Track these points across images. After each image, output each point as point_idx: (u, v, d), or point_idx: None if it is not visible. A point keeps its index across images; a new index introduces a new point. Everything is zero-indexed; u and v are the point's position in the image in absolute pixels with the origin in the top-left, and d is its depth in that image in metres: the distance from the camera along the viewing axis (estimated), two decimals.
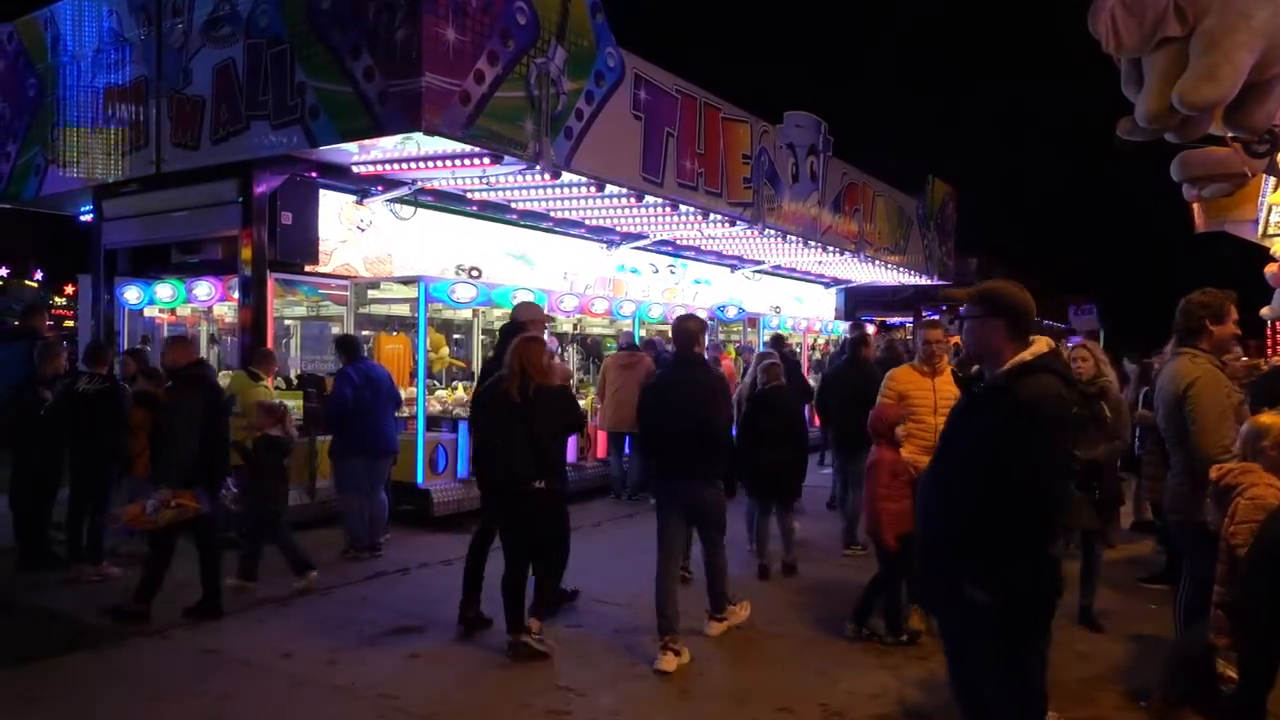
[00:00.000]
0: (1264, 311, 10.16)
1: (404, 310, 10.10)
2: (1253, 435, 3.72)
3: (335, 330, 10.10)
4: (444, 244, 10.64)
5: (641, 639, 5.55)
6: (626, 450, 10.40)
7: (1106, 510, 5.40)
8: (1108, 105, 5.01)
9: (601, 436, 10.73)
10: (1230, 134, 4.81)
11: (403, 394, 9.20)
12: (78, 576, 6.66)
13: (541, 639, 5.16)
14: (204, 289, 9.15)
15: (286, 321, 10.63)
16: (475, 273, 10.70)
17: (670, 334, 6.76)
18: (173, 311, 10.34)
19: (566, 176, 9.05)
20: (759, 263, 15.87)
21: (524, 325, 6.00)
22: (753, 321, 14.89)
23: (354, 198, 9.59)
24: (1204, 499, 3.94)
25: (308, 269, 9.17)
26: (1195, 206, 8.95)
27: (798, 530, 7.38)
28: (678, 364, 5.62)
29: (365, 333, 10.36)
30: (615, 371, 10.13)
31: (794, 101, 13.60)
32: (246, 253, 8.54)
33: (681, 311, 12.42)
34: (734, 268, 15.86)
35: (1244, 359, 7.98)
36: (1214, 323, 4.16)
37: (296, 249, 8.91)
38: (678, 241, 13.62)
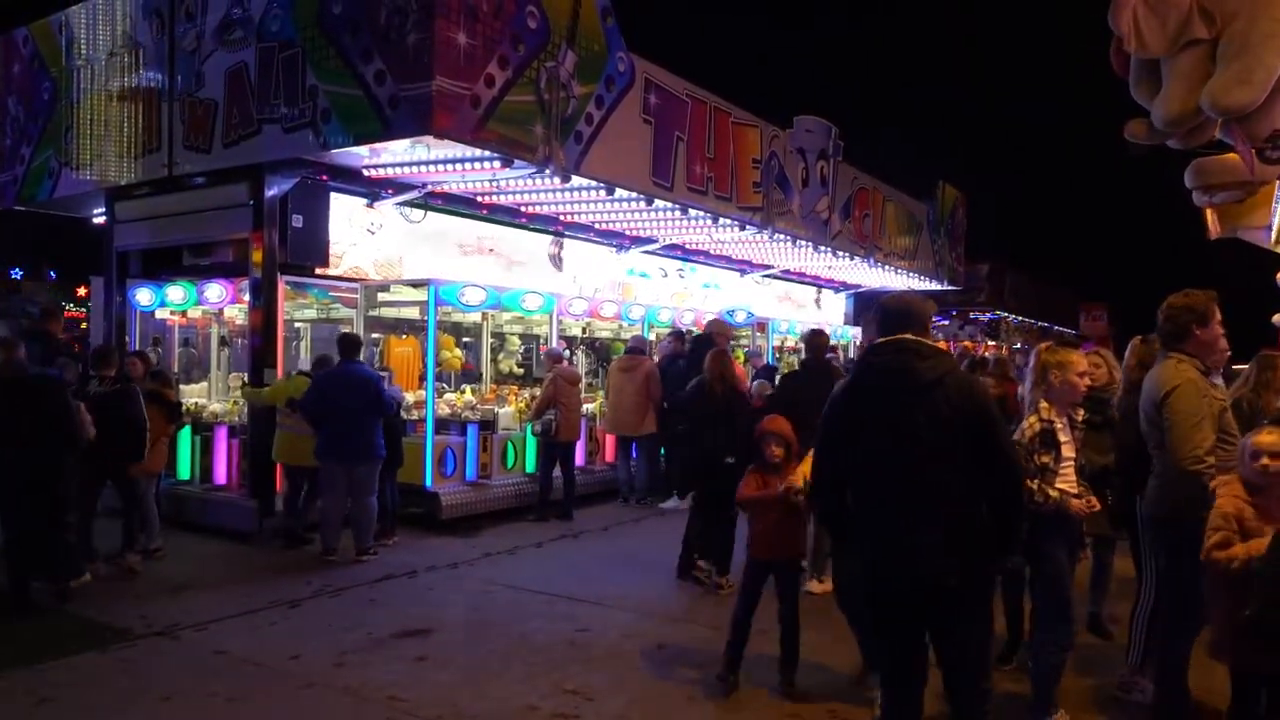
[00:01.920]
0: (1276, 318, 10.10)
1: (414, 313, 10.14)
2: (1245, 454, 3.66)
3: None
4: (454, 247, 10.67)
5: (649, 643, 5.56)
6: (634, 454, 10.41)
7: (1118, 517, 5.36)
8: (1118, 109, 4.99)
9: (610, 440, 10.75)
10: (1238, 142, 4.77)
11: (411, 397, 9.26)
12: (92, 575, 6.69)
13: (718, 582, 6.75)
14: (215, 291, 9.19)
15: (296, 324, 10.67)
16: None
17: (803, 343, 8.36)
18: (183, 313, 10.39)
19: (576, 180, 9.05)
20: (768, 267, 15.86)
21: (714, 339, 7.90)
22: (761, 326, 14.89)
23: (364, 201, 9.62)
24: (1176, 502, 3.96)
25: (318, 271, 9.20)
26: (1208, 213, 8.91)
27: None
28: (813, 370, 7.31)
29: (375, 335, 10.41)
30: (616, 375, 10.21)
31: (806, 105, 13.61)
32: (257, 255, 8.56)
33: (690, 315, 12.57)
34: (743, 272, 15.86)
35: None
36: (1199, 326, 4.13)
37: (307, 252, 8.95)
38: (687, 245, 13.63)
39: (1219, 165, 6.27)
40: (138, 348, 9.68)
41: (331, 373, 7.74)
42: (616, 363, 10.47)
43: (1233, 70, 4.06)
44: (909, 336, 3.23)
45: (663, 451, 10.46)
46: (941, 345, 6.90)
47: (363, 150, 8.31)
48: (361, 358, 8.08)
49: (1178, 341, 4.17)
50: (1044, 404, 4.08)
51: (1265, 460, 3.48)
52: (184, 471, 9.05)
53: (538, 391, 10.34)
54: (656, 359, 10.60)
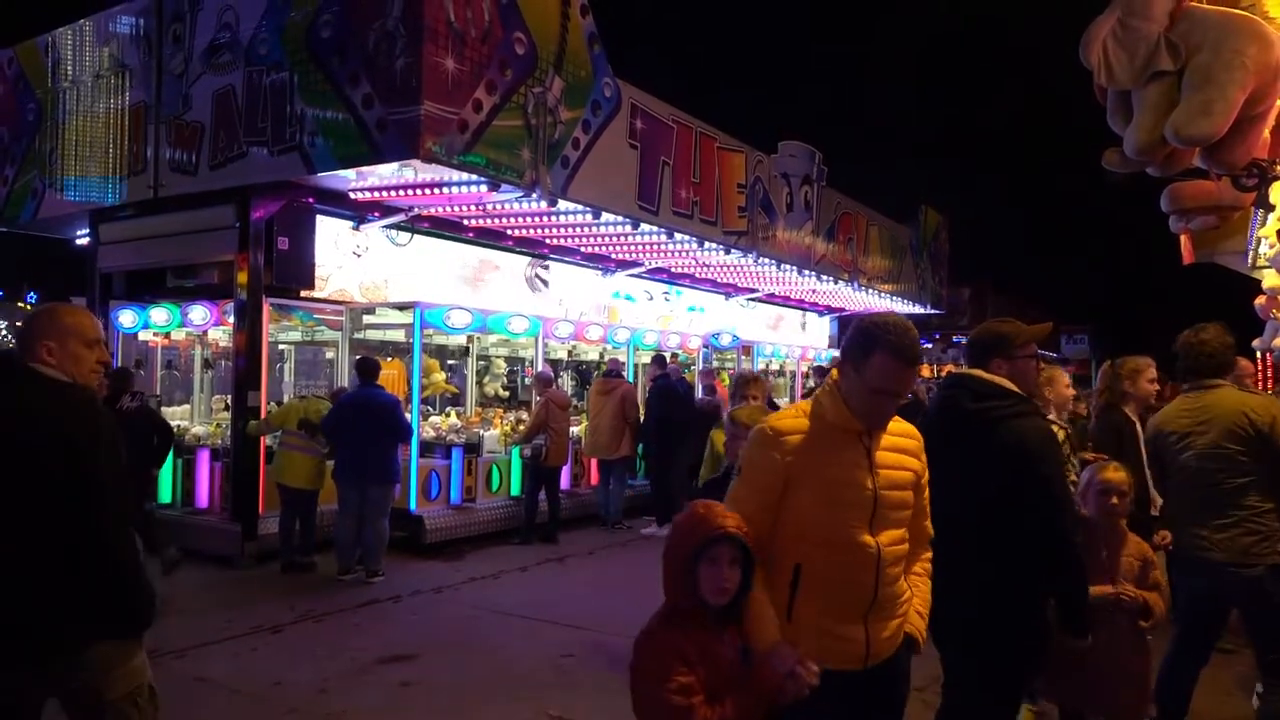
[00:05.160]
0: (1256, 343, 10.22)
1: (399, 336, 10.13)
2: (1090, 490, 3.71)
3: (329, 355, 10.12)
4: (440, 271, 10.67)
5: None
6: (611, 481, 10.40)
7: None
8: (1100, 134, 5.07)
9: (594, 464, 10.74)
10: (1214, 170, 4.87)
11: None
12: None
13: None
14: (199, 313, 9.14)
15: (281, 346, 10.64)
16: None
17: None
18: (167, 335, 10.33)
19: (563, 204, 9.08)
20: (753, 290, 15.93)
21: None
22: (747, 349, 14.93)
23: (350, 224, 9.62)
24: None
25: (303, 294, 9.18)
26: (1183, 238, 9.03)
27: None
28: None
29: (358, 357, 10.40)
30: (594, 398, 10.27)
31: (791, 130, 13.76)
32: (242, 277, 8.54)
33: (675, 339, 12.62)
34: (728, 295, 15.92)
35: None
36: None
37: (292, 274, 8.93)
38: (672, 269, 13.68)
39: (1192, 190, 6.38)
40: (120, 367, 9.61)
41: (353, 396, 7.89)
42: (594, 385, 10.53)
43: (1195, 102, 4.17)
44: (972, 373, 3.11)
45: (641, 472, 10.47)
46: (949, 369, 6.79)
47: (350, 173, 8.34)
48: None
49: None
50: None
51: (1114, 499, 3.60)
52: (165, 494, 8.97)
53: (523, 414, 10.33)
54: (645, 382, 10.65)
